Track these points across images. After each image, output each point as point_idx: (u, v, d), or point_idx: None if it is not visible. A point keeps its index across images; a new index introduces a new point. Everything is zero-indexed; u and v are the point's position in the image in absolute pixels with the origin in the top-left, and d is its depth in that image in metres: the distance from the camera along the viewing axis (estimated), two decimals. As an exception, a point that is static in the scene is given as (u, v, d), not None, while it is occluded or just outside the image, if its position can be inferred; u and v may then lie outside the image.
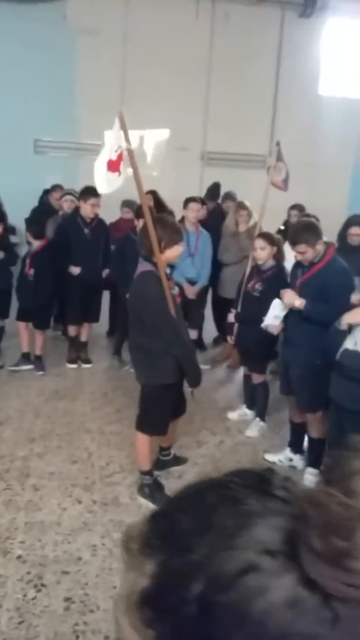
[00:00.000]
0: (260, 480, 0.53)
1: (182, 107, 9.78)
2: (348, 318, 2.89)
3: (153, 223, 3.38)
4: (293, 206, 6.87)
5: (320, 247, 3.69)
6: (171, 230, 3.40)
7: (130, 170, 3.22)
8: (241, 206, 6.18)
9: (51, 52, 9.40)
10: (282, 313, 3.92)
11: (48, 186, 7.58)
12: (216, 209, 7.13)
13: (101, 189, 3.33)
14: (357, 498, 0.46)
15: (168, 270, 3.53)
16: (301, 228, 3.75)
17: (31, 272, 5.58)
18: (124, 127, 3.16)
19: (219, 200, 7.26)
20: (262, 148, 9.78)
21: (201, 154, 10.28)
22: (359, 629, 0.44)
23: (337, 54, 10.08)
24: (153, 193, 7.26)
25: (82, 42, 9.53)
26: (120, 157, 3.13)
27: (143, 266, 3.40)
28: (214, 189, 7.38)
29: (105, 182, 3.20)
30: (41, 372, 5.72)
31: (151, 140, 10.28)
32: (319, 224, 5.83)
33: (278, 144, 4.96)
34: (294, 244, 3.70)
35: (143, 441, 3.67)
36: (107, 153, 3.15)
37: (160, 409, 3.59)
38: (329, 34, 10.09)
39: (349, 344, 2.84)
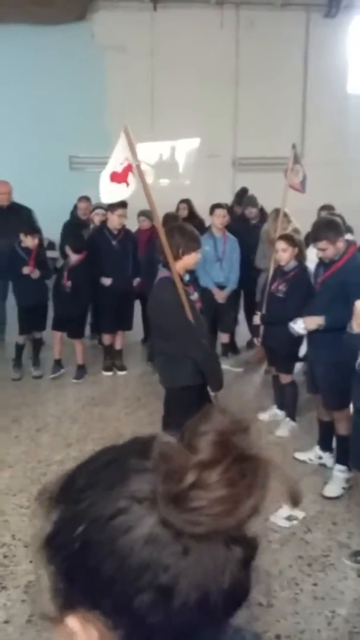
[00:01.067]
0: (144, 444, 0.63)
1: (211, 115, 9.92)
2: (356, 322, 2.89)
3: (170, 231, 3.51)
4: (323, 207, 6.84)
5: (341, 245, 3.72)
6: (189, 238, 3.49)
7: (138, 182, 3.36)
8: (278, 213, 6.22)
9: (81, 70, 9.72)
10: (304, 332, 3.98)
11: (83, 201, 7.82)
12: (245, 214, 7.20)
13: (105, 198, 3.47)
14: (196, 452, 0.57)
15: (187, 277, 3.63)
16: (323, 225, 3.79)
17: (69, 283, 5.80)
18: (130, 141, 3.30)
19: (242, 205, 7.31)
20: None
21: (232, 160, 10.38)
22: (205, 559, 0.56)
23: (364, 51, 10.03)
24: (187, 202, 7.43)
25: (110, 58, 9.82)
26: (127, 169, 3.27)
27: (162, 273, 3.52)
28: (242, 194, 7.45)
29: (109, 192, 3.35)
30: (81, 380, 5.93)
31: (182, 149, 10.54)
32: (343, 223, 5.90)
33: (294, 146, 5.01)
34: (315, 240, 3.75)
35: (170, 444, 3.76)
36: (112, 165, 3.29)
37: (182, 412, 3.68)
38: (356, 32, 10.04)
39: None
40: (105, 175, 3.30)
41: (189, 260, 3.52)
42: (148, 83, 9.96)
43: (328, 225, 3.76)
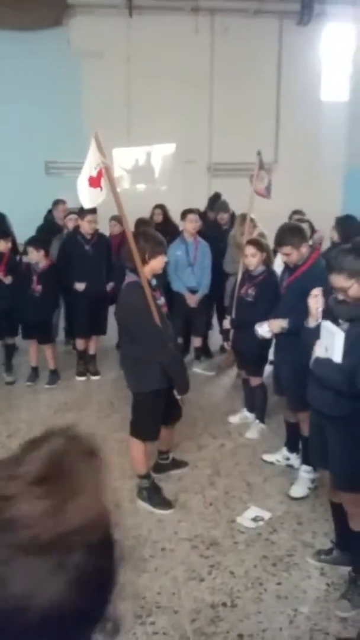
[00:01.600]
0: None
1: (187, 121, 9.99)
2: (312, 317, 2.98)
3: (135, 237, 3.55)
4: (295, 212, 6.97)
5: (304, 250, 3.80)
6: (153, 243, 3.56)
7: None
8: (245, 218, 6.30)
9: (57, 76, 9.71)
10: (269, 334, 4.06)
11: (59, 206, 7.81)
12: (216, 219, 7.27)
13: (85, 203, 3.51)
14: (21, 464, 0.60)
15: (154, 282, 3.68)
16: (287, 230, 3.87)
17: (38, 288, 5.80)
18: (99, 146, 3.34)
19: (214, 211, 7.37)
20: (267, 156, 9.85)
21: (207, 165, 10.45)
22: (27, 569, 0.57)
23: (336, 59, 10.16)
24: (161, 207, 7.47)
25: (86, 64, 9.82)
26: (100, 173, 3.32)
27: (129, 277, 3.57)
28: (215, 199, 7.52)
29: (88, 197, 3.38)
30: (54, 385, 5.95)
31: (158, 155, 10.59)
32: (311, 226, 5.99)
33: (259, 153, 5.09)
34: (279, 245, 3.83)
35: (137, 447, 3.81)
36: (88, 170, 3.33)
37: (149, 415, 3.73)
38: (328, 39, 10.18)
39: (320, 351, 2.92)
40: (82, 180, 3.32)
41: (156, 264, 3.58)
42: (124, 89, 10.00)
43: (292, 231, 3.84)
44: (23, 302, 5.77)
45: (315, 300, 3.00)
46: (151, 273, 3.61)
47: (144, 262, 3.51)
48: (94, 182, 3.36)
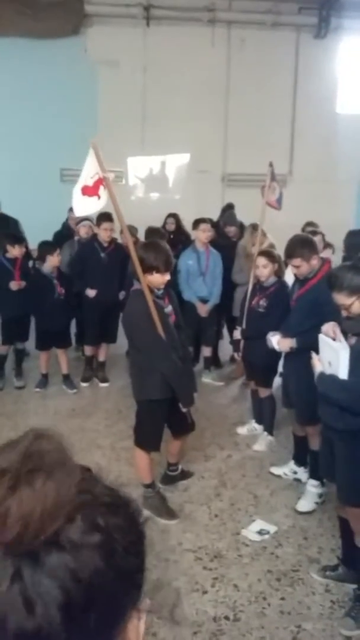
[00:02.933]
0: None
1: (202, 132, 10.02)
2: (324, 329, 2.96)
3: (146, 245, 3.57)
4: (307, 223, 6.95)
5: (315, 262, 3.78)
6: (153, 257, 3.46)
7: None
8: (256, 228, 6.30)
9: (74, 84, 9.80)
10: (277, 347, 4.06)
11: (75, 214, 7.88)
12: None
13: (77, 211, 3.53)
14: None
15: (161, 290, 3.65)
16: (297, 242, 3.84)
17: (62, 291, 5.84)
18: (98, 156, 3.37)
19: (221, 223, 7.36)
20: (282, 168, 9.89)
21: (222, 176, 10.47)
22: None
23: (353, 72, 10.17)
24: (174, 216, 7.50)
25: (103, 73, 9.91)
26: (98, 183, 3.34)
27: (135, 285, 3.57)
28: (228, 209, 7.53)
29: (81, 206, 3.41)
30: (74, 390, 5.99)
31: (173, 164, 10.64)
32: (324, 239, 5.97)
33: (271, 164, 5.08)
34: (289, 257, 3.82)
35: (140, 456, 3.79)
36: (83, 179, 3.36)
37: (150, 425, 3.72)
38: (345, 53, 10.20)
39: (323, 366, 2.90)
40: (77, 189, 3.38)
41: (153, 279, 3.51)
42: (140, 98, 10.06)
43: (302, 243, 3.82)
44: (43, 309, 5.74)
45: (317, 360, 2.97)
46: (151, 285, 3.55)
47: (147, 271, 3.49)
48: (89, 191, 3.39)
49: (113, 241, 6.09)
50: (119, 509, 0.63)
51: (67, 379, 6.05)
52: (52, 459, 0.60)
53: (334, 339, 2.88)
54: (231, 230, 6.72)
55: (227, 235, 6.75)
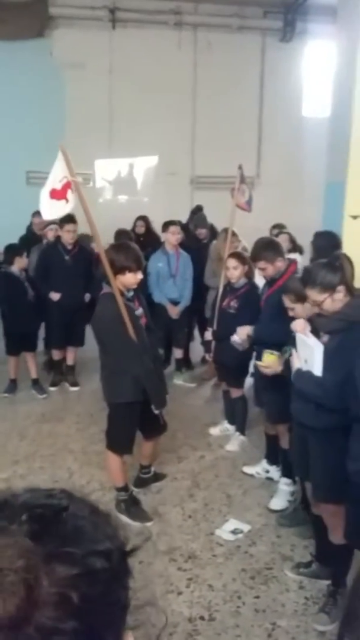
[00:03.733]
0: None
1: (169, 134, 10.04)
2: (294, 326, 2.99)
3: (115, 247, 3.55)
4: (274, 225, 7.03)
5: (280, 264, 3.83)
6: (124, 257, 3.47)
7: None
8: (226, 232, 6.33)
9: (40, 86, 9.73)
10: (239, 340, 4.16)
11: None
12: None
13: (45, 215, 3.51)
14: None
15: (131, 293, 3.65)
16: (261, 245, 3.92)
17: (32, 294, 5.82)
18: (67, 160, 3.35)
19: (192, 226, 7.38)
20: (249, 170, 9.96)
21: (190, 178, 10.51)
22: None
23: (318, 76, 10.32)
24: (144, 219, 7.48)
25: (69, 76, 9.86)
26: (66, 186, 3.32)
27: (105, 288, 3.55)
28: (197, 212, 7.55)
29: (48, 209, 3.38)
30: (44, 395, 5.95)
31: (141, 167, 10.63)
32: (294, 242, 6.04)
33: (240, 167, 5.13)
34: (254, 260, 3.88)
35: (113, 459, 3.77)
36: (51, 182, 3.34)
37: (122, 428, 3.70)
38: (310, 57, 10.35)
39: (300, 363, 2.93)
40: (44, 192, 3.35)
41: (125, 280, 3.51)
42: (107, 101, 10.04)
43: (266, 246, 3.89)
44: (15, 312, 5.70)
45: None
46: (124, 286, 3.55)
47: (118, 273, 3.48)
48: (57, 194, 3.37)
49: (77, 243, 6.03)
50: (95, 575, 0.58)
51: (36, 383, 5.99)
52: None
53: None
54: (202, 232, 6.75)
55: (197, 238, 6.77)
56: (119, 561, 0.62)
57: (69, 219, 5.50)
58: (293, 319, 3.24)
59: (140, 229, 7.11)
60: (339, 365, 2.67)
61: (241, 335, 4.06)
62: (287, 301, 2.79)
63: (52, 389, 6.13)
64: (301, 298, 3.18)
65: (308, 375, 2.86)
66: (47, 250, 6.17)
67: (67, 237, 5.89)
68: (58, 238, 6.11)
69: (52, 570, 0.55)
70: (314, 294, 2.76)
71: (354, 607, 0.70)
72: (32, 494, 0.64)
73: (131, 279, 3.49)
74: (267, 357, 3.60)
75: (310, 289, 2.78)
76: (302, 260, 5.64)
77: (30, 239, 6.96)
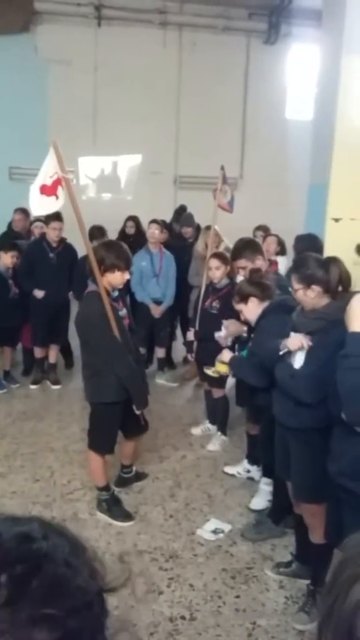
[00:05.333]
0: None
1: (153, 133, 10.04)
2: (289, 343, 2.96)
3: (101, 246, 3.54)
4: (258, 227, 7.05)
5: (260, 263, 3.86)
6: (115, 256, 3.46)
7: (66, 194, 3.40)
8: (209, 230, 6.34)
9: (24, 82, 9.66)
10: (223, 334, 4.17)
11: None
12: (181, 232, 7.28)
13: (35, 211, 3.49)
14: None
15: (116, 293, 3.64)
16: (240, 245, 3.96)
17: (17, 290, 5.83)
18: (58, 156, 3.33)
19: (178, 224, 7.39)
20: (232, 171, 10.00)
21: (174, 177, 10.52)
22: None
23: (301, 78, 10.39)
24: (134, 219, 7.40)
25: (53, 72, 9.81)
26: (56, 182, 3.30)
27: (91, 286, 3.53)
28: (181, 211, 7.55)
29: (38, 205, 3.36)
30: (17, 385, 6.01)
31: (124, 165, 10.61)
32: (282, 245, 6.07)
33: (222, 168, 5.15)
34: (234, 260, 3.90)
35: (94, 458, 3.76)
36: (42, 178, 3.31)
37: (104, 428, 3.69)
38: (294, 59, 10.42)
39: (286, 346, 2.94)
40: (34, 188, 3.32)
41: (113, 279, 3.50)
42: (91, 98, 10.01)
43: (245, 245, 3.95)
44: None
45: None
46: (109, 286, 3.54)
47: (104, 272, 3.47)
48: (48, 190, 3.35)
49: (62, 241, 6.00)
50: (77, 635, 0.57)
51: (7, 375, 6.03)
52: None
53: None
54: (188, 231, 6.75)
55: (182, 237, 6.77)
56: (98, 608, 0.60)
57: (55, 216, 5.47)
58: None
59: (130, 230, 7.05)
60: (314, 360, 2.71)
61: (232, 329, 4.04)
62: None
63: (33, 387, 6.08)
64: (244, 298, 3.43)
65: (286, 365, 2.90)
66: (32, 247, 6.11)
67: (53, 234, 5.84)
68: (43, 235, 6.06)
69: (29, 637, 0.53)
70: (294, 280, 2.82)
71: (330, 602, 0.71)
72: (6, 534, 0.60)
73: (119, 278, 3.49)
74: (219, 367, 3.81)
75: (293, 273, 2.85)
76: (286, 262, 5.68)
77: (9, 236, 6.89)
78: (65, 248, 6.01)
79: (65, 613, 0.55)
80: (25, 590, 0.55)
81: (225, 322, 4.19)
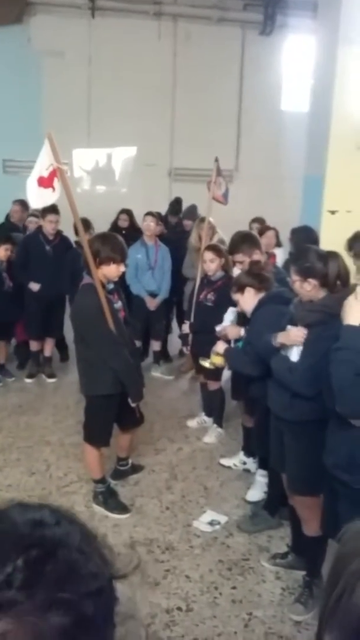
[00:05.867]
0: None
1: (148, 125, 9.97)
2: (282, 338, 2.94)
3: (95, 238, 3.52)
4: (254, 219, 7.02)
5: (257, 257, 3.85)
6: (110, 248, 3.44)
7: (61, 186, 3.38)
8: (203, 222, 6.32)
9: (17, 74, 9.57)
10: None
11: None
12: (179, 224, 7.27)
13: (33, 203, 3.47)
14: None
15: (111, 285, 3.63)
16: (238, 239, 3.94)
17: (11, 284, 5.80)
18: (53, 147, 3.31)
19: (181, 216, 7.38)
20: (228, 163, 9.97)
21: (169, 170, 10.46)
22: None
23: (297, 70, 10.34)
24: (127, 212, 7.38)
25: (47, 63, 9.72)
26: (52, 174, 3.27)
27: (86, 279, 3.52)
28: (176, 204, 7.53)
29: (36, 197, 3.34)
30: (13, 379, 6.02)
31: (119, 157, 10.54)
32: (277, 236, 6.06)
33: (217, 159, 5.13)
34: (231, 253, 3.89)
35: (90, 451, 3.76)
36: (38, 170, 3.29)
37: (100, 420, 3.69)
38: (290, 50, 10.36)
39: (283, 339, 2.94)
40: (32, 180, 3.29)
41: (109, 271, 3.48)
42: (85, 90, 9.93)
43: (243, 239, 3.94)
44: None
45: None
46: (104, 278, 3.51)
47: (99, 265, 3.46)
48: (45, 182, 3.33)
49: (58, 234, 5.97)
50: (90, 620, 0.59)
51: (2, 368, 6.01)
52: None
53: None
54: (188, 224, 6.73)
55: (180, 230, 6.75)
56: (109, 594, 0.62)
57: (52, 209, 5.44)
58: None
59: (124, 223, 7.01)
60: (310, 353, 2.72)
61: (232, 334, 4.00)
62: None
63: (28, 380, 6.07)
64: (241, 288, 3.49)
65: (283, 358, 2.90)
66: (28, 240, 6.07)
67: (49, 227, 5.81)
68: (40, 228, 6.03)
69: (45, 620, 0.54)
70: (293, 272, 2.82)
71: (334, 597, 0.71)
72: (20, 519, 0.61)
73: (115, 270, 3.48)
74: (214, 358, 3.84)
75: (292, 265, 2.86)
76: (283, 254, 5.67)
77: (6, 227, 6.86)
78: (62, 241, 5.99)
79: (79, 597, 0.57)
80: (41, 574, 0.56)
81: (221, 330, 4.13)
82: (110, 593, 0.62)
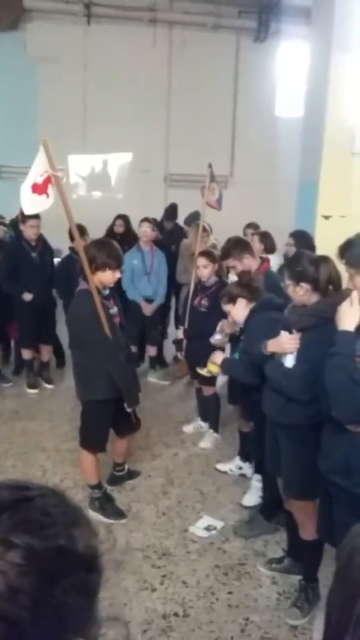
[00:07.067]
0: None
1: (143, 131, 10.03)
2: (272, 346, 2.94)
3: (91, 244, 3.54)
4: (248, 225, 7.05)
5: (248, 262, 3.87)
6: (106, 255, 3.46)
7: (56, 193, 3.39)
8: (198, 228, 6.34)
9: (13, 80, 9.62)
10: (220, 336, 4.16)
11: (15, 211, 7.67)
12: (175, 229, 7.29)
13: (27, 209, 3.48)
14: None
15: (107, 291, 3.65)
16: (229, 244, 3.98)
17: None
18: (48, 154, 3.32)
19: (177, 221, 7.40)
20: (222, 169, 10.02)
21: (164, 175, 10.51)
22: None
23: (291, 76, 10.41)
24: (123, 218, 7.39)
25: (43, 70, 9.77)
26: (47, 181, 3.29)
27: (82, 285, 3.53)
28: (171, 209, 7.55)
29: (30, 204, 3.35)
30: (10, 384, 6.05)
31: (115, 163, 10.59)
32: (272, 242, 6.08)
33: (210, 165, 5.16)
34: (223, 259, 3.92)
35: (86, 457, 3.76)
36: (33, 176, 3.30)
37: (96, 426, 3.69)
38: (283, 57, 10.43)
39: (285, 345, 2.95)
40: (26, 186, 3.30)
41: (104, 277, 3.50)
42: (81, 96, 9.98)
43: (234, 244, 3.97)
44: None
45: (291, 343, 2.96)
46: (99, 284, 3.53)
47: (94, 271, 3.47)
48: (39, 189, 3.34)
49: (40, 238, 5.86)
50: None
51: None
52: None
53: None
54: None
55: (177, 235, 6.78)
56: (84, 563, 0.65)
57: (33, 214, 5.41)
58: None
59: (119, 228, 7.01)
60: (305, 358, 2.73)
61: (227, 327, 4.01)
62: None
63: (30, 391, 5.99)
64: (232, 299, 3.50)
65: (278, 364, 2.91)
66: (12, 248, 5.92)
67: (30, 232, 5.70)
68: (20, 233, 5.91)
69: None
70: (286, 276, 2.84)
71: (345, 596, 0.71)
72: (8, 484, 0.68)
73: (110, 277, 3.49)
74: (211, 367, 3.85)
75: (286, 269, 2.88)
76: (277, 260, 5.68)
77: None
78: (44, 245, 5.92)
79: (44, 549, 0.60)
80: (5, 513, 0.62)
81: (219, 326, 4.15)
82: (85, 562, 0.64)
